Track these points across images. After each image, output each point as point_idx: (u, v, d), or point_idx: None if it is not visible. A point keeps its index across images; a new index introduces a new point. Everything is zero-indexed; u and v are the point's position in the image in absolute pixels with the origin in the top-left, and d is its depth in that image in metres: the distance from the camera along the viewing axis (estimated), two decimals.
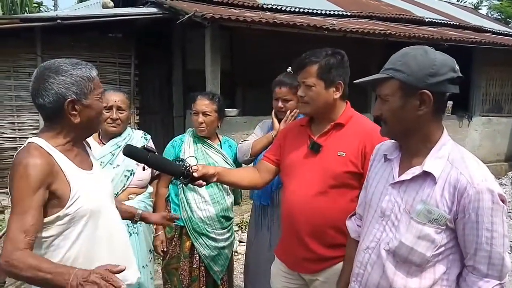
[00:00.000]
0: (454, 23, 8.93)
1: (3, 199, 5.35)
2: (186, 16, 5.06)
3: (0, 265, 1.24)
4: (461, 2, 16.16)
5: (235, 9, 6.59)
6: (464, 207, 1.18)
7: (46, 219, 1.34)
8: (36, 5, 14.87)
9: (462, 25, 8.99)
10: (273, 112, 2.45)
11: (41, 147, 1.36)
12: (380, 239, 1.32)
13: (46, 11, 14.86)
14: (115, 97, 2.29)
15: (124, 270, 1.19)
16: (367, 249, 1.36)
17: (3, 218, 4.93)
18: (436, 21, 8.76)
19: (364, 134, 1.70)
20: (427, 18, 8.65)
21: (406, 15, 8.48)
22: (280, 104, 2.38)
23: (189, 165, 1.66)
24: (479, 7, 19.33)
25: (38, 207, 1.29)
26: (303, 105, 1.80)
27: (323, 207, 1.69)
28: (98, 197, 1.48)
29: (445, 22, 8.87)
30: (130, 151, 1.62)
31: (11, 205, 1.32)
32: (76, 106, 1.39)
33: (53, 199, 1.34)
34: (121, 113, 2.30)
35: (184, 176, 1.65)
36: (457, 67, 1.24)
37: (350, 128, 1.77)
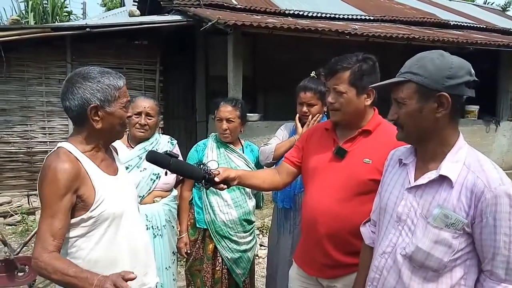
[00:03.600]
0: (481, 26, 8.73)
1: (34, 201, 5.56)
2: (209, 23, 5.16)
3: (33, 261, 1.33)
4: (488, 4, 15.75)
5: (257, 15, 6.66)
6: (481, 211, 1.17)
7: (71, 221, 1.40)
8: (66, 14, 15.39)
9: (489, 28, 8.78)
10: (297, 117, 2.48)
11: (70, 152, 1.42)
12: (396, 244, 1.31)
13: (75, 20, 15.36)
14: (145, 104, 2.37)
15: (135, 278, 1.25)
16: (383, 254, 1.36)
17: (34, 219, 5.13)
18: (462, 24, 8.58)
19: (392, 142, 1.62)
20: (452, 21, 8.50)
21: (431, 19, 8.35)
22: (304, 108, 2.40)
23: (210, 169, 1.69)
24: (508, 9, 18.78)
25: (66, 211, 1.36)
26: (333, 112, 1.76)
27: (345, 213, 1.66)
28: (122, 202, 1.53)
29: (471, 25, 8.69)
30: (153, 157, 1.65)
31: (40, 207, 1.39)
32: (99, 112, 1.44)
33: (79, 202, 1.41)
34: (149, 119, 2.37)
35: (206, 180, 1.67)
36: (473, 71, 1.24)
37: (378, 135, 1.74)
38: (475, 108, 7.15)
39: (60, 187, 1.34)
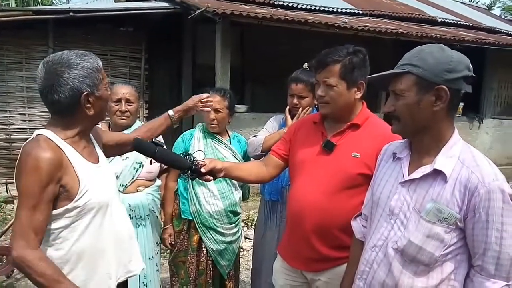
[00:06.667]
0: (467, 24, 8.84)
1: (13, 189, 5.41)
2: (198, 11, 5.06)
3: (13, 259, 1.27)
4: (474, 2, 15.96)
5: (246, 5, 6.57)
6: (474, 206, 1.17)
7: (55, 212, 1.35)
8: None
9: (475, 26, 8.90)
10: (287, 109, 2.44)
11: (50, 139, 1.35)
12: (388, 237, 1.31)
13: (58, 4, 14.94)
14: (123, 90, 2.32)
15: None
16: (374, 247, 1.35)
17: (12, 208, 5.00)
18: (449, 21, 8.68)
19: (380, 136, 1.63)
20: (439, 18, 8.58)
21: (419, 15, 8.41)
22: (295, 100, 2.37)
23: (197, 159, 1.66)
24: (493, 8, 19.09)
25: (48, 202, 1.31)
26: (323, 105, 1.73)
27: (332, 207, 1.65)
28: (106, 190, 1.48)
29: (458, 22, 8.79)
30: (138, 145, 1.62)
31: (18, 197, 1.32)
32: (90, 99, 1.39)
33: (63, 192, 1.35)
34: (129, 105, 2.32)
35: (192, 170, 1.64)
36: (471, 67, 1.24)
37: (366, 129, 1.73)
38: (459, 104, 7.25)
39: (42, 177, 1.28)
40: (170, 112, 1.92)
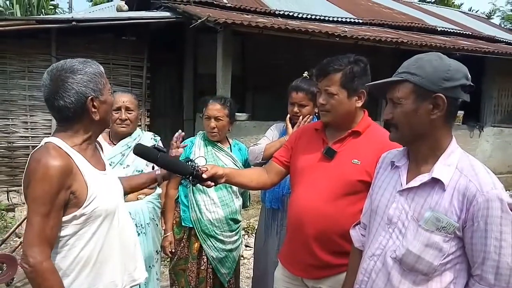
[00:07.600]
0: (467, 33, 8.90)
1: (13, 197, 5.42)
2: (199, 20, 5.11)
3: (27, 266, 1.27)
4: (473, 11, 16.07)
5: (247, 14, 6.64)
6: (473, 215, 1.16)
7: (63, 219, 1.36)
8: (52, 7, 15.12)
9: (475, 35, 8.96)
10: (287, 117, 2.45)
11: (59, 147, 1.37)
12: (386, 246, 1.30)
13: (61, 13, 15.09)
14: (123, 98, 2.34)
15: None
16: (372, 256, 1.34)
17: (13, 216, 4.99)
18: (449, 30, 8.73)
19: (381, 144, 1.63)
20: (439, 27, 8.63)
21: (419, 24, 8.47)
22: (295, 109, 2.38)
23: (198, 165, 1.67)
24: (492, 17, 19.21)
25: (60, 209, 1.32)
26: (324, 113, 1.75)
27: (332, 214, 1.66)
28: (113, 198, 1.50)
29: (458, 31, 8.85)
30: (140, 150, 1.64)
31: (29, 205, 1.32)
32: (95, 103, 1.41)
33: (72, 199, 1.36)
34: (129, 113, 2.34)
35: (193, 176, 1.65)
36: (469, 76, 1.24)
37: (367, 137, 1.74)
38: (459, 113, 7.27)
39: (53, 184, 1.29)
40: (157, 173, 1.82)
